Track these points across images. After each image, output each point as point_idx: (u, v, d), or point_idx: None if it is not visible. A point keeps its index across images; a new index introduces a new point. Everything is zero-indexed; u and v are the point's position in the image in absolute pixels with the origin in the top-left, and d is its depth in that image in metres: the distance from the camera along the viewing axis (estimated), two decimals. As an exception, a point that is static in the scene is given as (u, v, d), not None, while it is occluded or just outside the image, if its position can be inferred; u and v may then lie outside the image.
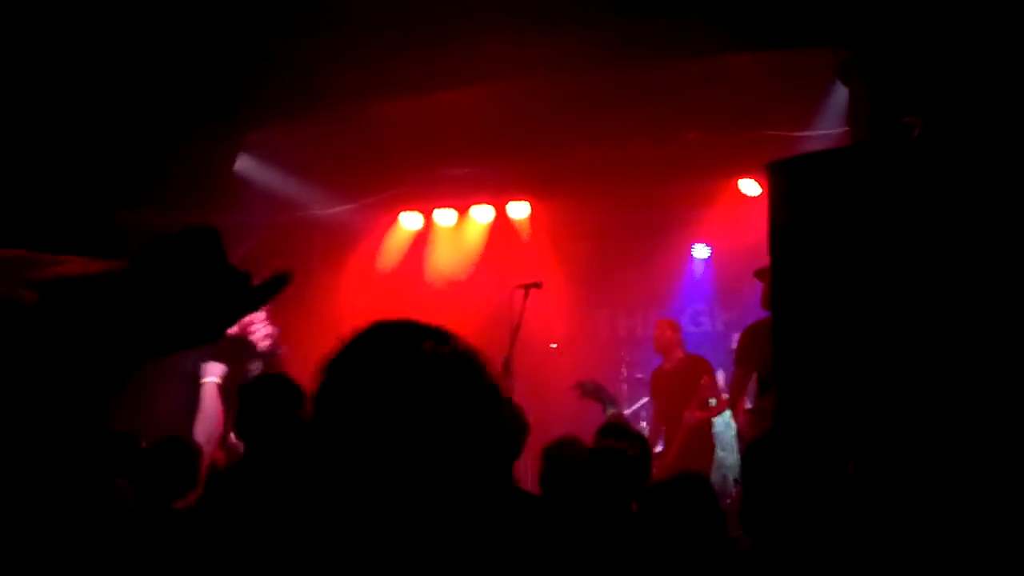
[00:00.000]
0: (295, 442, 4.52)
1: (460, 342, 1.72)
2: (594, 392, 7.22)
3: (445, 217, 11.40)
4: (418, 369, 1.63)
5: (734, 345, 10.60)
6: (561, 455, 5.02)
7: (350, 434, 1.60)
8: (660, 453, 8.47)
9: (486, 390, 1.68)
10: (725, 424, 10.22)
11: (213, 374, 6.63)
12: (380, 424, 1.59)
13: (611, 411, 6.96)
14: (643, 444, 4.85)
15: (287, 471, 4.36)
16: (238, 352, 7.14)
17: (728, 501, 7.19)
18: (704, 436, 8.59)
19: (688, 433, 8.46)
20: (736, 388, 7.91)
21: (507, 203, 11.09)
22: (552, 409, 8.62)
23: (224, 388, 6.73)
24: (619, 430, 5.07)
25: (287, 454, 4.46)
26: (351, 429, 1.60)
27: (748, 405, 7.75)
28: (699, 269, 11.96)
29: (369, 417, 1.60)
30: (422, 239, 11.55)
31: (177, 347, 1.26)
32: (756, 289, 9.52)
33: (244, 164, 9.24)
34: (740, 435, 7.68)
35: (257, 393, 4.66)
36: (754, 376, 7.73)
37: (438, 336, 1.70)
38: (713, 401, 8.55)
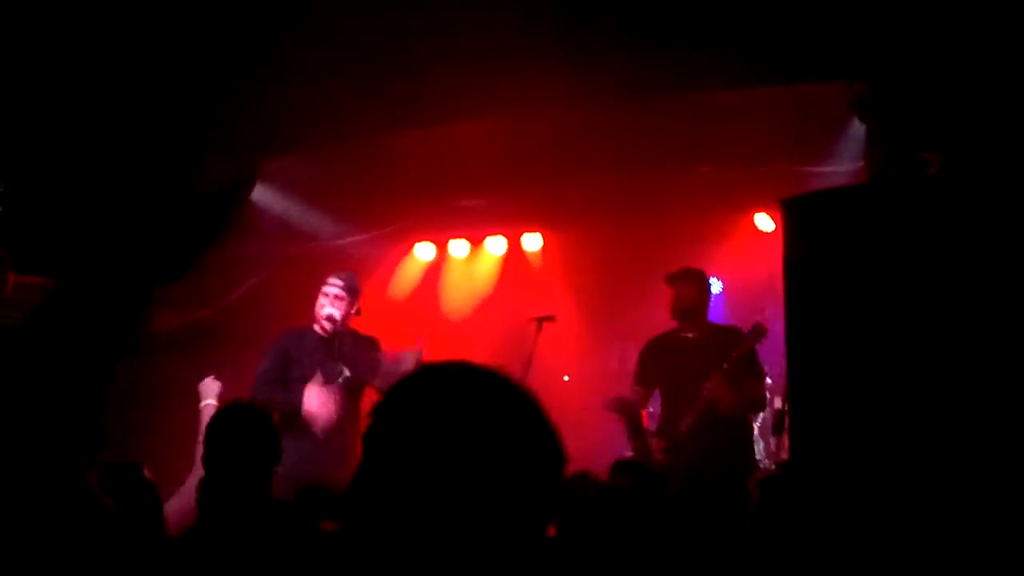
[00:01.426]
0: (257, 478, 4.50)
1: (520, 387, 1.65)
2: (627, 411, 6.99)
3: (459, 248, 11.39)
4: (477, 415, 1.56)
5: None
6: (574, 490, 4.98)
7: (401, 478, 1.53)
8: None
9: (546, 438, 1.61)
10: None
11: (210, 396, 6.58)
12: (434, 470, 1.52)
13: (636, 443, 6.85)
14: (658, 483, 4.82)
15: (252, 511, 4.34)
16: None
17: None
18: None
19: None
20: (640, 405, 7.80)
21: (521, 235, 11.07)
22: (566, 442, 8.57)
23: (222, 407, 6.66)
24: (635, 468, 5.05)
25: (251, 493, 4.43)
26: (402, 474, 1.53)
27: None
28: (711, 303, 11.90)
29: (422, 463, 1.53)
30: (435, 270, 11.53)
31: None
32: (768, 323, 9.50)
33: (258, 193, 9.26)
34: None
35: (223, 425, 4.64)
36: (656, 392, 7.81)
37: (497, 381, 1.63)
38: None
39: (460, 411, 1.55)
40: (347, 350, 7.32)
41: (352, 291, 7.42)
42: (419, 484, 1.51)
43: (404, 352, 7.27)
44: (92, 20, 6.24)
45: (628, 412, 7.14)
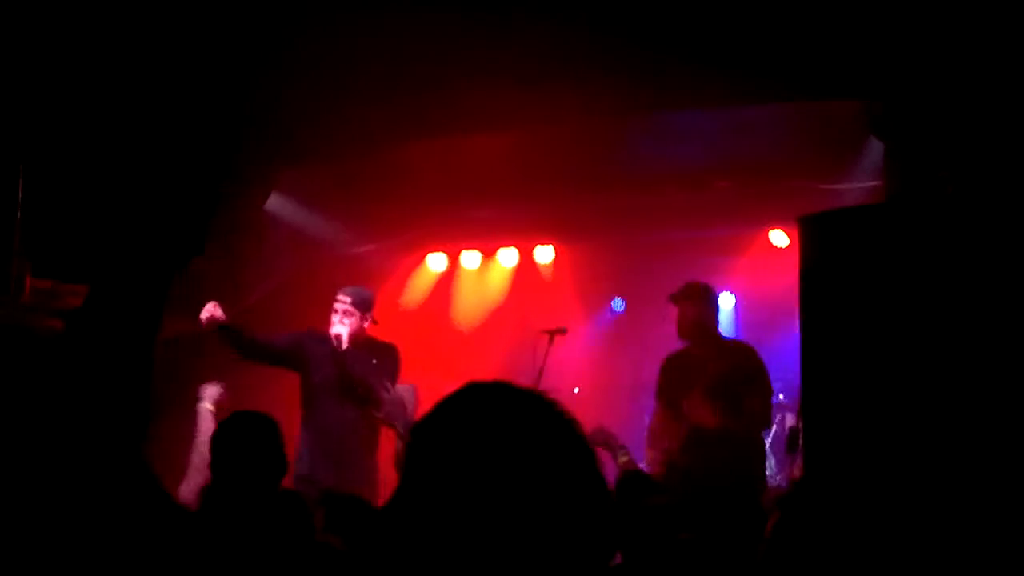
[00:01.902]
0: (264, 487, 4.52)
1: (559, 408, 1.63)
2: (603, 442, 6.96)
3: (470, 259, 11.39)
4: (518, 437, 1.54)
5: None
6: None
7: (446, 499, 1.50)
8: None
9: (585, 461, 1.59)
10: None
11: (208, 398, 6.58)
12: (476, 491, 1.49)
13: (623, 458, 6.81)
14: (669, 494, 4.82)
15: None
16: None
17: None
18: None
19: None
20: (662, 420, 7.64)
21: (533, 247, 11.07)
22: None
23: (220, 412, 6.68)
24: (644, 483, 5.03)
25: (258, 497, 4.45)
26: (445, 494, 1.50)
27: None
28: (725, 318, 11.89)
29: (463, 484, 1.50)
30: (447, 281, 11.53)
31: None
32: (781, 340, 9.50)
33: (272, 202, 9.28)
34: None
35: (231, 434, 4.65)
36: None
37: (536, 402, 1.61)
38: None
39: (505, 430, 1.54)
40: (359, 366, 7.35)
41: (361, 305, 7.43)
42: (464, 504, 1.49)
43: (398, 388, 7.42)
44: (116, 29, 6.27)
45: (604, 442, 6.96)
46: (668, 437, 7.34)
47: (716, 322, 7.60)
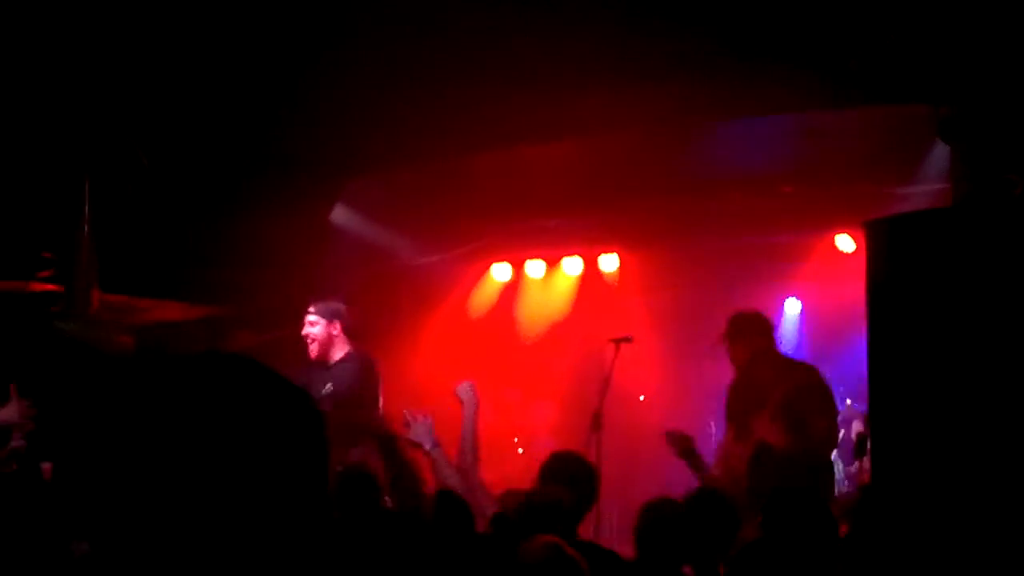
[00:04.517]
0: None
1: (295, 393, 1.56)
2: (681, 445, 6.90)
3: (535, 269, 11.39)
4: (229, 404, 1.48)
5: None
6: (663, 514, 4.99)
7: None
8: None
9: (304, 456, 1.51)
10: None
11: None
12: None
13: (699, 475, 6.78)
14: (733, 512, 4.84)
15: None
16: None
17: None
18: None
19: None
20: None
21: (598, 255, 11.05)
22: (641, 463, 8.53)
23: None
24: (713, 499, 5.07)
25: None
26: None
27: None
28: (790, 324, 11.82)
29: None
30: (512, 290, 11.54)
31: None
32: (848, 345, 9.42)
33: (338, 213, 9.36)
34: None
35: None
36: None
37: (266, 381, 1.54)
38: None
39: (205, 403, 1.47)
40: (336, 371, 7.90)
41: (326, 313, 7.98)
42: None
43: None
44: (184, 41, 6.36)
45: (680, 445, 6.93)
46: (735, 458, 7.27)
47: (773, 344, 7.64)
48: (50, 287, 7.01)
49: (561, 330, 11.49)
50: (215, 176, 7.86)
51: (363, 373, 7.92)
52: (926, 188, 8.05)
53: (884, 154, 8.19)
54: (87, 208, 6.99)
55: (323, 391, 7.68)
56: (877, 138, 7.94)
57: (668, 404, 9.65)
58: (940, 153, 7.37)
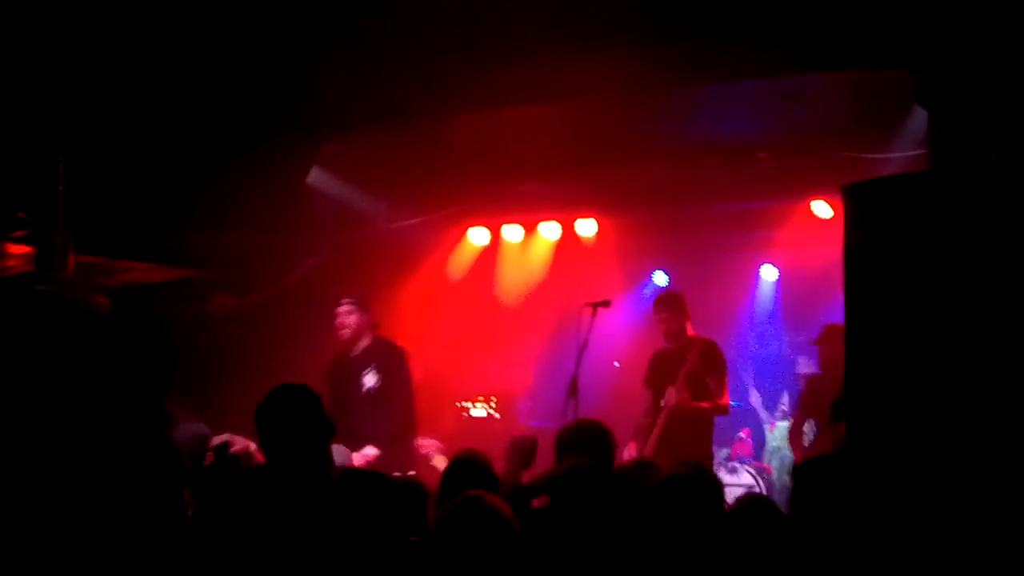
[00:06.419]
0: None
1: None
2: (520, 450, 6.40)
3: (513, 233, 11.38)
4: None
5: (800, 368, 10.59)
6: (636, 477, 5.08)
7: None
8: None
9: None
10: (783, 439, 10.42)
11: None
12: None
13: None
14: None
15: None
16: None
17: None
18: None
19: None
20: (795, 428, 9.02)
21: (575, 219, 11.05)
22: (614, 428, 8.53)
23: None
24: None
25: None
26: None
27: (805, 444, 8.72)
28: (767, 290, 11.87)
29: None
30: (490, 255, 11.54)
31: None
32: (824, 311, 9.48)
33: (314, 177, 9.32)
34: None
35: (275, 406, 4.80)
36: (811, 420, 8.75)
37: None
38: None
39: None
40: (378, 363, 8.16)
41: (361, 303, 8.27)
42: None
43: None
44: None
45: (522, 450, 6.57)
46: (653, 415, 8.75)
47: (686, 323, 8.90)
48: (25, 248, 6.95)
49: (539, 294, 11.51)
50: (191, 138, 7.80)
51: (405, 363, 8.20)
52: (902, 154, 8.07)
53: (860, 120, 8.20)
54: (62, 167, 6.92)
55: (367, 385, 8.02)
56: (854, 104, 7.94)
57: (641, 369, 9.62)
58: (918, 119, 7.38)
